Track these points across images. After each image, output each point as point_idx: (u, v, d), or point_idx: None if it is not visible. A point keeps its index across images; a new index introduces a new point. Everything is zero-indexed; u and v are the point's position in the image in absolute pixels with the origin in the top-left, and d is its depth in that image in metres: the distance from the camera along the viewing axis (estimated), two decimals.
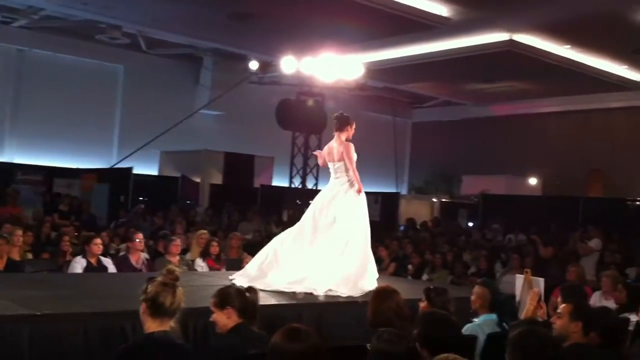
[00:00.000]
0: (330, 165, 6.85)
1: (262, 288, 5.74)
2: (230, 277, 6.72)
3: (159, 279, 3.55)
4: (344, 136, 6.80)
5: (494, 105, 22.71)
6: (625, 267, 11.11)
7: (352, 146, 6.73)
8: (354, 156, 6.72)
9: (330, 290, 6.10)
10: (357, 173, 6.70)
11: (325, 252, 6.47)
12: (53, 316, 4.29)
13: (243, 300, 4.09)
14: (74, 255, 7.73)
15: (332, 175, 6.86)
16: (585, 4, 12.48)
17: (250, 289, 4.26)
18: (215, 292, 4.19)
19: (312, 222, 6.71)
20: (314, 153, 7.27)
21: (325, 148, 6.98)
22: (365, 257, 6.63)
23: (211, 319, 4.13)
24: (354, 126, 6.87)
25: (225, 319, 4.03)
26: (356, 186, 6.69)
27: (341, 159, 6.71)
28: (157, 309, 3.47)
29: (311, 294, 6.04)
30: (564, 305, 4.21)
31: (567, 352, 3.93)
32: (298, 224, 6.87)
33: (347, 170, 6.71)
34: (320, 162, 7.13)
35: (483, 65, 17.00)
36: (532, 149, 22.27)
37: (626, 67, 17.03)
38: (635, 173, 19.99)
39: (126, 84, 19.67)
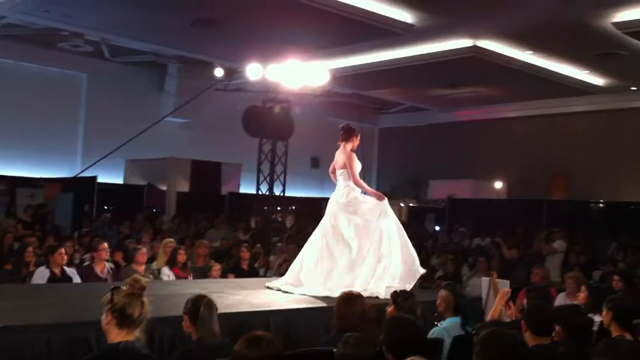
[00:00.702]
0: (337, 172, 7.27)
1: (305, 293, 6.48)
2: (267, 284, 7.14)
3: (126, 289, 3.51)
4: (349, 146, 7.20)
5: (459, 111, 22.93)
6: (590, 269, 11.29)
7: (354, 155, 7.16)
8: (358, 166, 7.17)
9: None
10: (361, 181, 7.19)
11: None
12: (16, 327, 4.23)
13: (198, 313, 4.06)
14: (38, 265, 7.62)
15: (338, 181, 7.28)
16: (547, 11, 12.66)
17: (208, 302, 4.17)
18: (188, 298, 4.22)
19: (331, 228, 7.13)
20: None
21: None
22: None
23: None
24: (359, 137, 7.31)
25: (186, 328, 4.08)
26: (356, 190, 7.13)
27: (344, 167, 7.13)
28: (124, 320, 3.43)
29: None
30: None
31: (532, 353, 4.00)
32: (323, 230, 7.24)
33: (348, 177, 7.14)
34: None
35: (447, 71, 17.16)
36: (497, 153, 22.54)
37: (587, 71, 17.32)
38: (598, 175, 20.35)
39: (90, 92, 19.44)
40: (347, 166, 7.07)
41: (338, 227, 7.07)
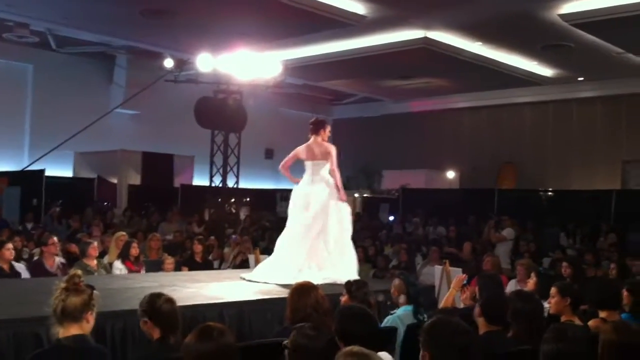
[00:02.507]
0: (309, 163, 7.33)
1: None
2: (242, 276, 7.21)
3: (62, 285, 3.47)
4: (320, 138, 7.34)
5: (411, 102, 23.12)
6: (539, 256, 11.53)
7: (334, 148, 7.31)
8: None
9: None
10: (338, 174, 7.32)
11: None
12: None
13: (160, 312, 3.84)
14: None
15: (310, 172, 7.34)
16: (496, 2, 12.84)
17: (168, 300, 3.95)
18: (143, 298, 3.98)
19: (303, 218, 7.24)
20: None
21: (303, 148, 7.40)
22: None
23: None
24: (328, 129, 7.46)
25: (147, 330, 3.87)
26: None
27: (325, 159, 7.27)
28: (61, 315, 3.39)
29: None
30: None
31: (480, 340, 4.06)
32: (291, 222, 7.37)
33: (325, 169, 7.30)
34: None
35: (399, 62, 17.27)
36: (449, 143, 22.83)
37: (535, 62, 17.65)
38: (546, 165, 20.80)
39: (36, 83, 18.98)
40: (331, 158, 7.26)
41: (329, 216, 7.24)
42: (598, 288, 5.23)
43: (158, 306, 3.84)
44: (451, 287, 5.42)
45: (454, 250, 11.36)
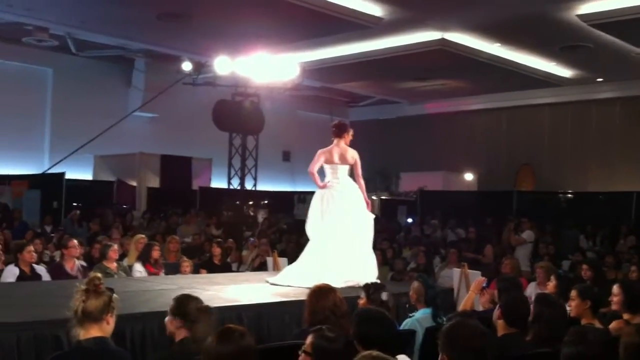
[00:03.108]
0: (334, 166, 7.28)
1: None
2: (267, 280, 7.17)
3: (82, 287, 3.50)
4: (343, 142, 7.29)
5: (428, 103, 23.07)
6: (559, 258, 11.45)
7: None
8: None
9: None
10: (362, 182, 7.41)
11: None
12: None
13: (196, 314, 3.89)
14: (6, 263, 7.51)
15: (333, 175, 7.30)
16: (514, 3, 12.79)
17: (206, 308, 4.02)
18: (175, 297, 4.03)
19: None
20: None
21: (329, 150, 7.31)
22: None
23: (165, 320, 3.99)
24: (351, 132, 7.41)
25: (173, 328, 3.89)
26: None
27: (346, 163, 7.28)
28: (82, 316, 3.43)
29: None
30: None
31: (498, 342, 4.04)
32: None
33: (345, 172, 7.31)
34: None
35: (416, 64, 17.23)
36: (466, 145, 22.73)
37: (554, 63, 17.54)
38: (564, 167, 20.64)
39: (56, 87, 19.15)
40: (356, 165, 7.32)
41: (361, 222, 7.30)
42: (624, 290, 5.17)
43: (192, 307, 3.89)
44: (470, 290, 5.40)
45: (475, 255, 11.32)
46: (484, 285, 5.67)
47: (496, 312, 4.35)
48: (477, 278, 5.36)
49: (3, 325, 4.28)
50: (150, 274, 8.07)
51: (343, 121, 7.78)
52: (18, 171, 17.23)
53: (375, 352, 2.66)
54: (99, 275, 3.67)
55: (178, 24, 14.56)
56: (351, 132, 7.42)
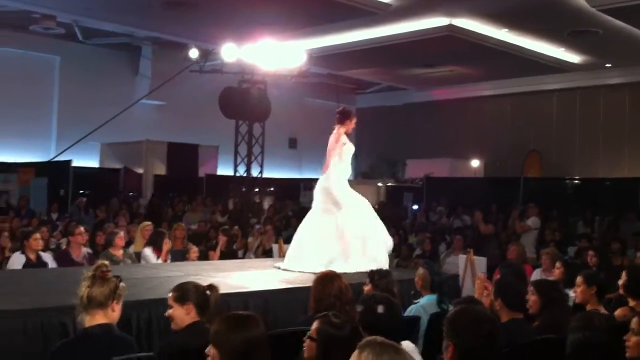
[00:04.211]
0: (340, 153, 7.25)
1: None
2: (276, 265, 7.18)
3: (88, 273, 3.51)
4: (343, 129, 7.18)
5: (435, 90, 22.99)
6: (565, 245, 11.41)
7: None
8: (342, 147, 7.15)
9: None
10: (329, 160, 7.12)
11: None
12: None
13: (204, 297, 3.97)
14: (13, 251, 7.54)
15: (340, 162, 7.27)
16: None
17: (211, 287, 4.10)
18: (175, 287, 4.06)
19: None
20: None
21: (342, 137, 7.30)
22: None
23: (167, 314, 3.99)
24: (354, 120, 7.29)
25: (183, 315, 3.91)
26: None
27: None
28: (87, 302, 3.44)
29: None
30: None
31: (506, 328, 4.04)
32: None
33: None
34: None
35: (423, 50, 17.16)
36: (473, 131, 22.66)
37: (563, 49, 17.42)
38: (571, 153, 20.56)
39: (63, 75, 19.17)
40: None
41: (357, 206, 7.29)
42: (629, 275, 5.16)
43: (204, 292, 3.96)
44: (476, 289, 5.36)
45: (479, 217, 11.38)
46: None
47: (495, 302, 4.37)
48: (478, 275, 5.33)
49: (10, 312, 4.31)
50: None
51: (347, 108, 7.65)
52: (25, 159, 17.27)
53: (380, 338, 2.66)
54: (107, 262, 3.69)
55: (184, 11, 14.53)
56: (354, 121, 7.31)
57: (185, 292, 3.96)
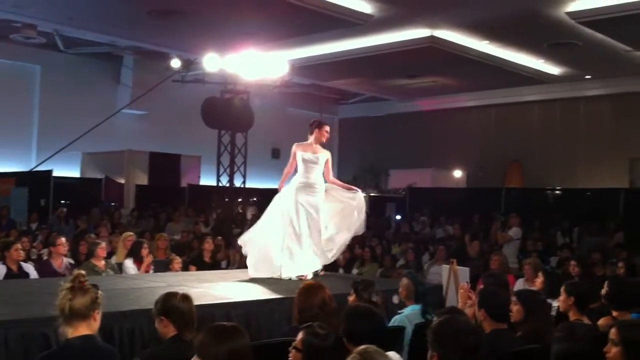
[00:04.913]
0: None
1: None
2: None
3: (67, 285, 3.49)
4: (312, 138, 7.48)
5: (417, 101, 23.10)
6: (547, 254, 11.48)
7: (294, 146, 7.46)
8: (292, 156, 7.43)
9: None
10: (285, 170, 7.57)
11: None
12: None
13: (175, 310, 3.93)
14: None
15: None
16: (504, 1, 12.82)
17: (185, 297, 4.06)
18: (157, 299, 4.05)
19: None
20: None
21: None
22: None
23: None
24: (321, 129, 7.49)
25: (162, 328, 3.93)
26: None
27: None
28: (69, 314, 3.41)
29: None
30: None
31: (489, 339, 4.06)
32: None
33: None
34: None
35: (406, 61, 17.25)
36: (456, 142, 22.77)
37: (542, 61, 17.59)
38: (552, 163, 20.72)
39: (44, 84, 19.03)
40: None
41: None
42: (612, 286, 5.19)
43: (174, 304, 3.92)
44: (459, 299, 5.37)
45: (463, 243, 11.36)
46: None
47: (479, 313, 4.38)
48: (462, 284, 5.33)
49: None
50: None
51: (317, 119, 7.95)
52: (5, 168, 17.13)
53: (371, 347, 2.66)
54: (83, 272, 3.65)
55: (167, 21, 14.51)
56: (321, 129, 7.49)
57: (159, 306, 3.96)
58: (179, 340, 3.83)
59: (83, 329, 3.42)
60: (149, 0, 13.51)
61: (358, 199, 7.52)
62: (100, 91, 19.46)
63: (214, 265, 9.57)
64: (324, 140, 7.54)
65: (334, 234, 7.52)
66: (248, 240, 7.47)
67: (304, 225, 7.26)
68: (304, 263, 7.24)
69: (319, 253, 7.35)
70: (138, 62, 19.19)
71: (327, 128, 7.57)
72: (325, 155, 7.47)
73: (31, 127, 19.03)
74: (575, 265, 7.36)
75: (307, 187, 7.35)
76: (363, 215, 7.54)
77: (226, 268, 10.19)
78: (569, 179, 20.15)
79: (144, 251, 8.17)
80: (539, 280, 6.21)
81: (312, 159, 7.37)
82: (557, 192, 19.47)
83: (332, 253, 7.53)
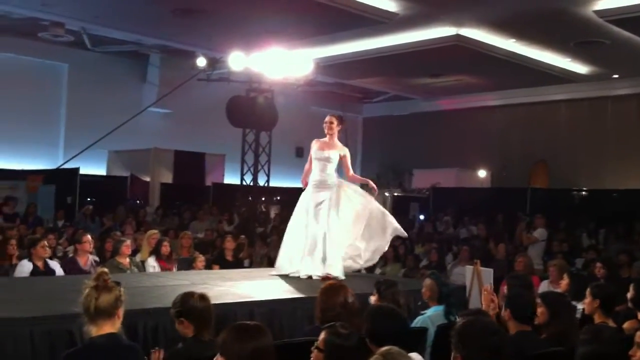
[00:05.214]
0: None
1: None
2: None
3: (91, 283, 3.51)
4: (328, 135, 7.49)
5: (442, 100, 22.98)
6: (572, 256, 11.35)
7: (312, 142, 7.50)
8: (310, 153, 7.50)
9: None
10: (305, 167, 7.63)
11: None
12: None
13: (195, 310, 4.01)
14: (20, 258, 7.55)
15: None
16: None
17: (202, 297, 4.13)
18: (174, 300, 4.14)
19: None
20: None
21: None
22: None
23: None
24: (325, 123, 7.50)
25: (183, 329, 4.01)
26: None
27: None
28: (94, 313, 3.44)
29: None
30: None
31: (514, 340, 4.03)
32: None
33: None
34: None
35: (430, 60, 17.17)
36: (480, 141, 22.61)
37: (569, 59, 17.41)
38: (579, 164, 20.49)
39: (71, 82, 19.23)
40: None
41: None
42: (638, 289, 5.12)
43: (192, 304, 3.98)
44: (482, 302, 5.33)
45: (488, 248, 11.26)
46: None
47: (505, 313, 4.35)
48: (485, 287, 5.28)
49: (17, 320, 4.30)
50: (163, 269, 8.10)
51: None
52: (33, 166, 17.32)
53: (394, 348, 2.66)
54: (106, 270, 3.69)
55: (193, 19, 14.59)
56: (331, 124, 7.50)
57: (177, 307, 4.06)
58: (198, 340, 3.90)
59: (107, 327, 3.44)
60: None
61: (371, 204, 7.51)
62: (126, 89, 19.63)
63: (237, 264, 9.60)
64: (328, 132, 7.44)
65: (356, 241, 7.46)
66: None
67: (315, 224, 7.23)
68: (319, 264, 7.14)
69: (336, 256, 7.20)
70: (164, 61, 19.32)
71: (327, 118, 7.55)
72: (338, 152, 7.39)
73: (59, 125, 19.26)
74: (601, 267, 7.27)
75: (319, 184, 7.34)
76: (389, 217, 7.51)
77: (249, 267, 10.23)
78: (596, 179, 19.92)
79: (164, 248, 8.23)
80: (564, 282, 6.14)
81: (322, 156, 7.35)
82: (584, 192, 19.25)
83: (362, 260, 7.48)
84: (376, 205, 7.53)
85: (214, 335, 3.81)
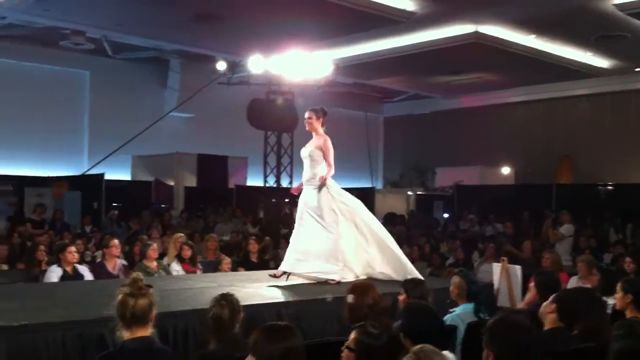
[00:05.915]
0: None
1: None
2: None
3: (125, 290, 3.55)
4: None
5: (463, 97, 22.88)
6: (601, 251, 11.25)
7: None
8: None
9: None
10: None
11: None
12: (30, 327, 4.24)
13: (216, 313, 4.06)
14: (50, 264, 7.64)
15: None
16: None
17: (226, 299, 4.15)
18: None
19: None
20: None
21: None
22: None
23: None
24: (309, 119, 7.47)
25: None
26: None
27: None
28: (131, 320, 3.48)
29: None
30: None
31: (544, 336, 4.00)
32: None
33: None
34: None
35: (450, 58, 17.11)
36: (503, 138, 22.48)
37: (591, 54, 17.25)
38: (603, 158, 20.29)
39: (93, 89, 19.43)
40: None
41: None
42: None
43: (217, 312, 4.06)
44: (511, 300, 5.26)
45: (513, 250, 11.16)
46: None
47: (548, 306, 4.28)
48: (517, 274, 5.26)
49: (49, 324, 4.35)
50: (186, 272, 8.14)
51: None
52: (58, 173, 17.52)
53: (428, 346, 2.66)
54: (140, 275, 3.71)
55: (212, 24, 14.67)
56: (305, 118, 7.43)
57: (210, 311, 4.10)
58: (232, 339, 3.94)
59: (141, 331, 3.48)
60: (192, 5, 13.68)
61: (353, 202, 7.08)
62: (148, 95, 19.79)
63: (262, 265, 9.62)
64: (308, 129, 7.35)
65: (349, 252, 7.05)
66: None
67: (305, 227, 7.04)
68: (319, 266, 6.89)
69: (331, 259, 6.84)
70: (184, 66, 19.45)
71: (306, 114, 7.45)
72: (315, 146, 7.17)
73: (82, 132, 19.46)
74: (630, 262, 7.20)
75: (306, 182, 7.10)
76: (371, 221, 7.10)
77: (275, 268, 10.23)
78: (621, 173, 19.71)
79: (185, 252, 8.27)
80: (594, 277, 6.09)
81: (304, 154, 7.22)
82: (609, 187, 19.06)
83: (359, 270, 6.99)
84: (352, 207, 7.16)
85: (243, 337, 3.85)
